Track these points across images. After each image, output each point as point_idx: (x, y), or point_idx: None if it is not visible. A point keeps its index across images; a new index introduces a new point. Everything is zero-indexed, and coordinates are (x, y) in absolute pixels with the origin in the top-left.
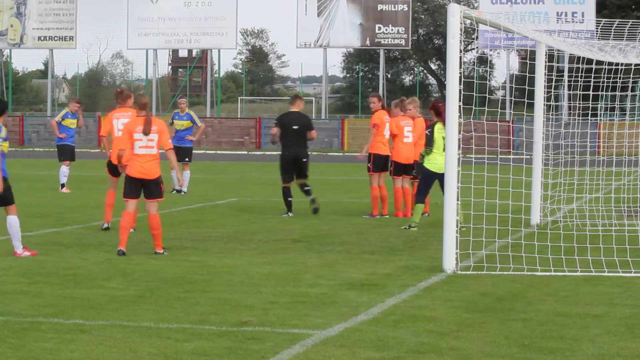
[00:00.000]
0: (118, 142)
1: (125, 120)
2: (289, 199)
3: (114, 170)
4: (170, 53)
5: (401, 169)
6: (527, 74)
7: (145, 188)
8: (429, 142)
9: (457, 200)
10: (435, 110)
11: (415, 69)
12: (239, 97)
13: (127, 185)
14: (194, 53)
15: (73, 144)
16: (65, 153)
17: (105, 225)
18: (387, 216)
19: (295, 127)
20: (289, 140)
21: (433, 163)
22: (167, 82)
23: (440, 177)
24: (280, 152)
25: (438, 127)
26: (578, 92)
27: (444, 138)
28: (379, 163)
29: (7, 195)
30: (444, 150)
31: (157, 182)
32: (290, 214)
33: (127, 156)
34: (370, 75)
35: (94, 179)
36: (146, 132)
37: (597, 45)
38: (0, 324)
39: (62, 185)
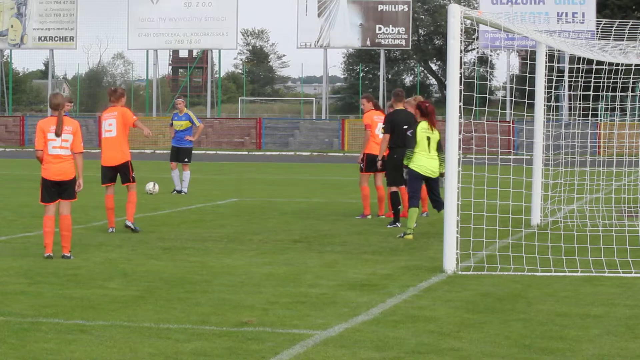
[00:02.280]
0: (104, 143)
1: (112, 120)
2: (399, 207)
3: (104, 176)
4: (171, 53)
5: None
6: (527, 74)
7: (62, 189)
8: (411, 142)
9: (458, 200)
10: (421, 110)
11: (416, 70)
12: (240, 98)
13: (45, 188)
14: (194, 53)
15: None
16: None
17: (110, 230)
18: (383, 216)
19: (405, 127)
20: (398, 141)
21: (418, 165)
22: (167, 83)
23: (427, 179)
24: (387, 154)
25: (422, 126)
26: (578, 92)
27: (428, 138)
28: (373, 163)
29: None
30: (429, 150)
31: (73, 183)
32: (398, 225)
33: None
34: (370, 76)
35: (94, 179)
36: (58, 133)
37: (598, 46)
38: (1, 324)
39: None
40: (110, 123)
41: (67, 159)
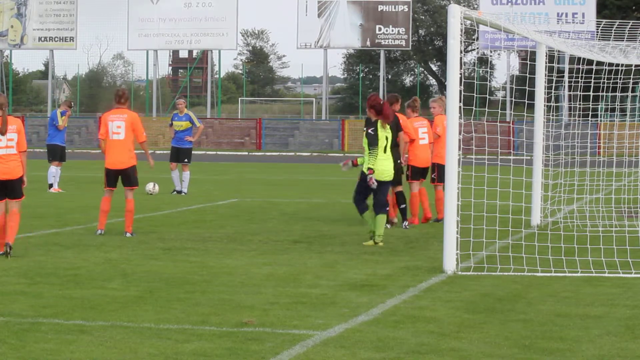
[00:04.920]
0: (111, 146)
1: (120, 122)
2: (402, 205)
3: (110, 179)
4: (171, 54)
5: (418, 173)
6: (527, 74)
7: (9, 187)
8: (373, 141)
9: (457, 200)
10: (375, 109)
11: (416, 70)
12: (240, 98)
13: None
14: (194, 54)
15: (63, 144)
16: (55, 153)
17: (99, 232)
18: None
19: (399, 131)
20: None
21: (376, 169)
22: (167, 83)
23: (383, 184)
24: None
25: (380, 125)
26: (578, 92)
27: (387, 138)
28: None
29: None
30: (385, 151)
31: (20, 182)
32: (388, 226)
33: None
34: (370, 76)
35: (94, 179)
36: (2, 132)
37: (598, 46)
38: (1, 325)
39: (50, 186)
40: (119, 125)
41: (14, 159)
